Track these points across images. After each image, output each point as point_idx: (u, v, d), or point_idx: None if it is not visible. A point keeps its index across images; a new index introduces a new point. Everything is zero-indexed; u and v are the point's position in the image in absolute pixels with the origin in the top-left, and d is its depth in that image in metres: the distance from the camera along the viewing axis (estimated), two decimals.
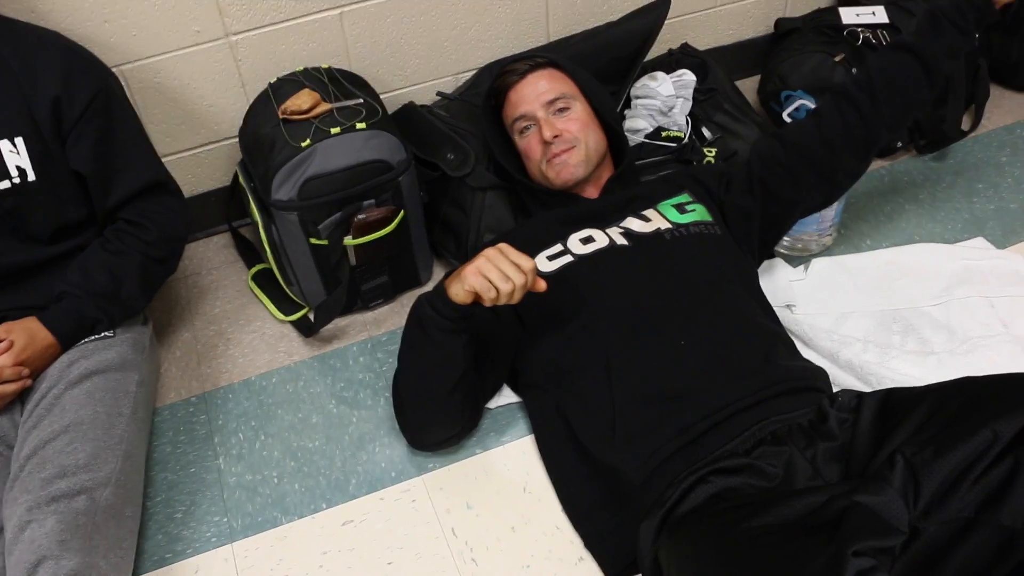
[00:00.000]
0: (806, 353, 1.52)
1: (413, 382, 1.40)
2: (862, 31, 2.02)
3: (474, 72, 1.96)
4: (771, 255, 1.76)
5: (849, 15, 2.07)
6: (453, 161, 1.70)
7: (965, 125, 2.05)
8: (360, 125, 1.58)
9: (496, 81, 1.64)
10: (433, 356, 1.34)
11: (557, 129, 1.55)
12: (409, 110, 1.87)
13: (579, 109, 1.59)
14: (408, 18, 1.85)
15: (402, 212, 1.66)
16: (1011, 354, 1.51)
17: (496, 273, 1.24)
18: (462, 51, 1.95)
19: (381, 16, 1.83)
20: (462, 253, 1.75)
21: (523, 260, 1.26)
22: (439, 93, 1.90)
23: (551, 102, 1.57)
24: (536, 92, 1.58)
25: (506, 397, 1.56)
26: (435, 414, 1.43)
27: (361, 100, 1.65)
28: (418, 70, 1.94)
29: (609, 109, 1.65)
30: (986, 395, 1.10)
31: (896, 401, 1.18)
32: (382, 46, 1.87)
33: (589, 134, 1.58)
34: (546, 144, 1.56)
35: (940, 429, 1.06)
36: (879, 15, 2.05)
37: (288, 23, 1.77)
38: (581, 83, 1.62)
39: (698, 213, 1.54)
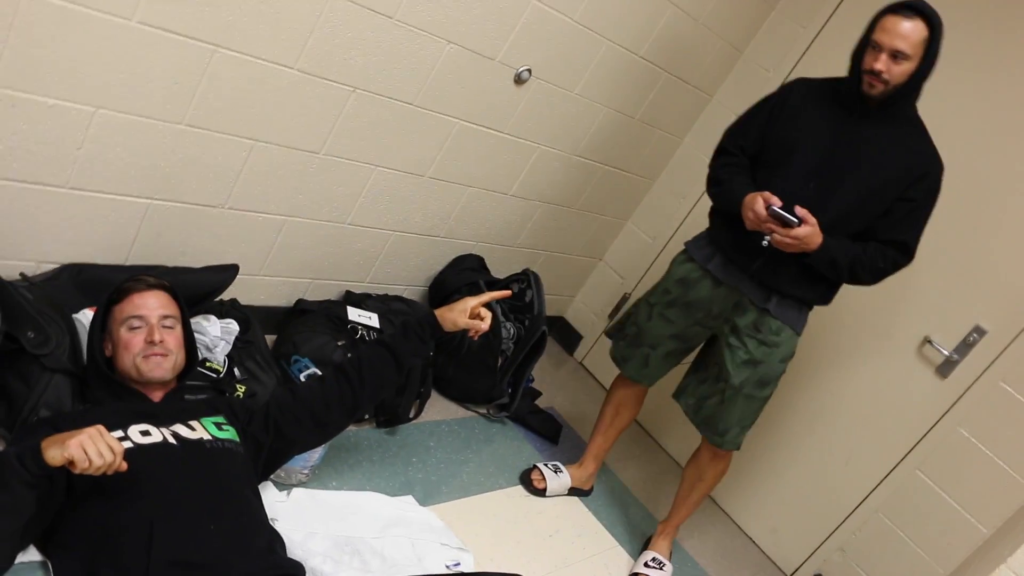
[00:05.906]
0: None
1: None
2: (360, 328, 2.74)
3: (57, 267, 2.22)
4: (267, 478, 2.24)
5: (353, 313, 2.79)
6: (33, 340, 1.93)
7: (412, 413, 2.82)
8: None
9: (124, 284, 1.98)
10: (4, 502, 1.54)
11: (164, 337, 1.94)
12: None
13: (179, 331, 2.00)
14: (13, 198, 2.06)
15: None
16: None
17: (94, 449, 1.54)
18: (55, 245, 2.20)
19: None
20: (11, 420, 1.92)
21: (116, 444, 1.58)
22: (22, 274, 2.12)
23: (164, 316, 1.97)
24: (156, 304, 1.97)
25: (30, 555, 1.75)
26: None
27: None
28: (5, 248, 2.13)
29: (191, 339, 2.07)
30: None
31: None
32: None
33: (180, 352, 1.99)
34: (149, 343, 1.92)
35: None
36: (374, 320, 2.80)
37: None
38: (184, 313, 2.03)
39: (231, 433, 1.98)
